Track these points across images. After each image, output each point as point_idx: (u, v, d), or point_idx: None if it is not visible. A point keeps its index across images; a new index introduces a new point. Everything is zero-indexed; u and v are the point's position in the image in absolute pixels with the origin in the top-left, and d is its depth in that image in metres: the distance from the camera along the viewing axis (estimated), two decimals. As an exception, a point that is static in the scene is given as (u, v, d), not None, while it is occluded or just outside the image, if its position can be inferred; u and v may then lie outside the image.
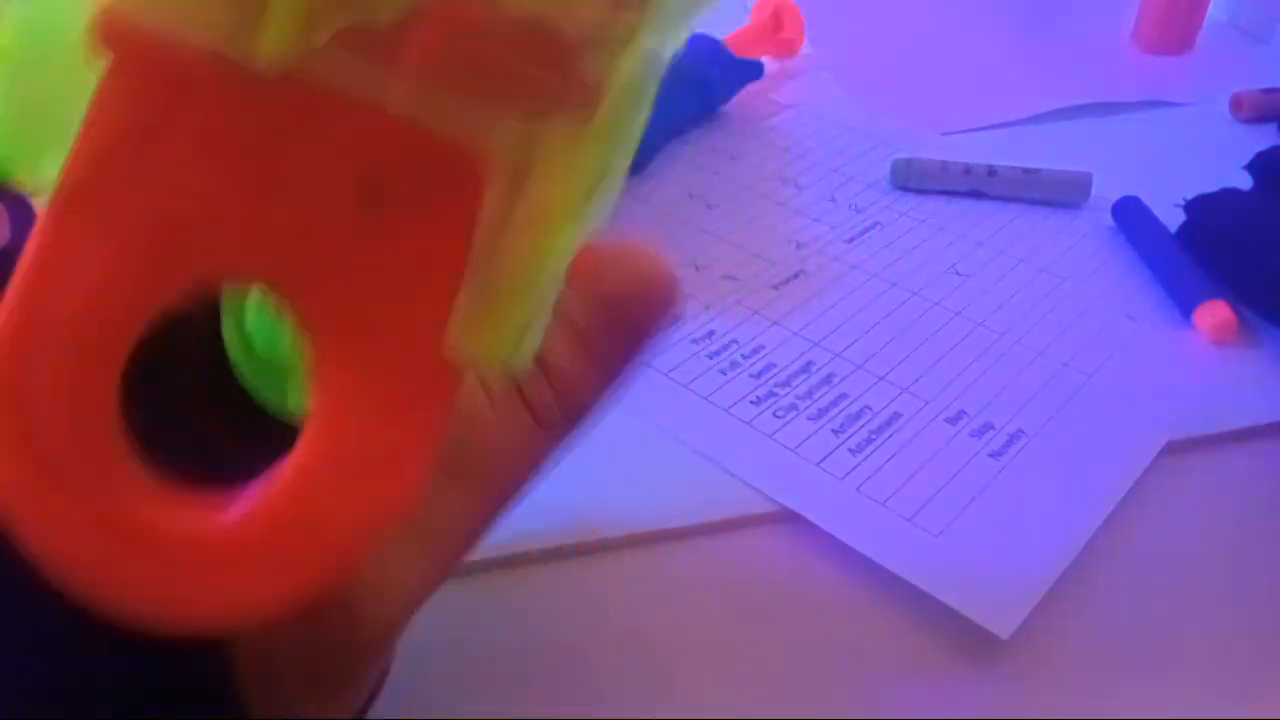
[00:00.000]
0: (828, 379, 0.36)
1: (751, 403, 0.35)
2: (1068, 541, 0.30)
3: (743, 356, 0.38)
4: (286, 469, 0.14)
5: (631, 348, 0.20)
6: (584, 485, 0.32)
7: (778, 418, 0.35)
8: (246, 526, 0.14)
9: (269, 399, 0.19)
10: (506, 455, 0.19)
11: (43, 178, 0.14)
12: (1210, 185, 0.42)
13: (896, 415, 0.35)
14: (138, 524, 0.13)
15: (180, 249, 0.14)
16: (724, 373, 0.37)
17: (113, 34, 0.13)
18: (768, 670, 0.27)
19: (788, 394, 0.36)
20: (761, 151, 0.50)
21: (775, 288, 0.41)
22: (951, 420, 0.34)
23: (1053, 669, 0.27)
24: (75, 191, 0.13)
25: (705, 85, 0.50)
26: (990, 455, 0.33)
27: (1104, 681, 0.27)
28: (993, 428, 0.34)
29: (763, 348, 0.38)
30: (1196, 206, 0.42)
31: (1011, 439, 0.34)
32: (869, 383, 0.36)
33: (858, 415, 0.35)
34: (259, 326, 0.19)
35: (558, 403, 0.19)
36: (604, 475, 0.32)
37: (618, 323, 0.19)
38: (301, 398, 0.15)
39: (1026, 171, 0.46)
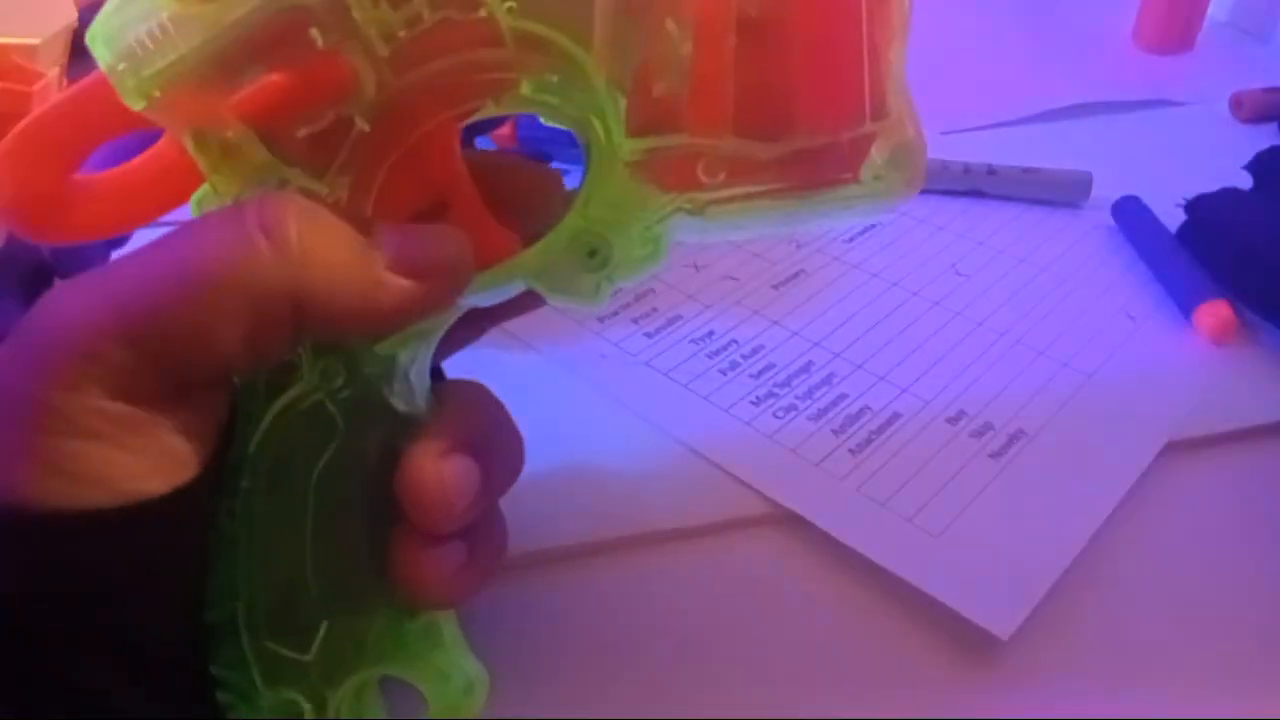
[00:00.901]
0: (828, 379, 0.36)
1: (751, 403, 0.35)
2: (1068, 542, 0.30)
3: (743, 356, 0.38)
4: None
5: None
6: (584, 486, 0.32)
7: (777, 418, 0.35)
8: None
9: None
10: None
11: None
12: (1210, 185, 0.42)
13: (896, 415, 0.35)
14: None
15: None
16: (724, 373, 0.37)
17: None
18: (767, 670, 0.27)
19: (787, 394, 0.36)
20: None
21: (775, 288, 0.41)
22: (951, 420, 0.34)
23: (1053, 669, 0.27)
24: None
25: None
26: (990, 455, 0.33)
27: (1104, 681, 0.27)
28: (993, 428, 0.34)
29: (763, 348, 0.38)
30: (1196, 206, 0.42)
31: (1011, 439, 0.34)
32: (869, 383, 0.36)
33: (858, 415, 0.35)
34: None
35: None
36: (604, 475, 0.32)
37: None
38: None
39: (1026, 171, 0.46)
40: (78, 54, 0.46)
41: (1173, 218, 0.42)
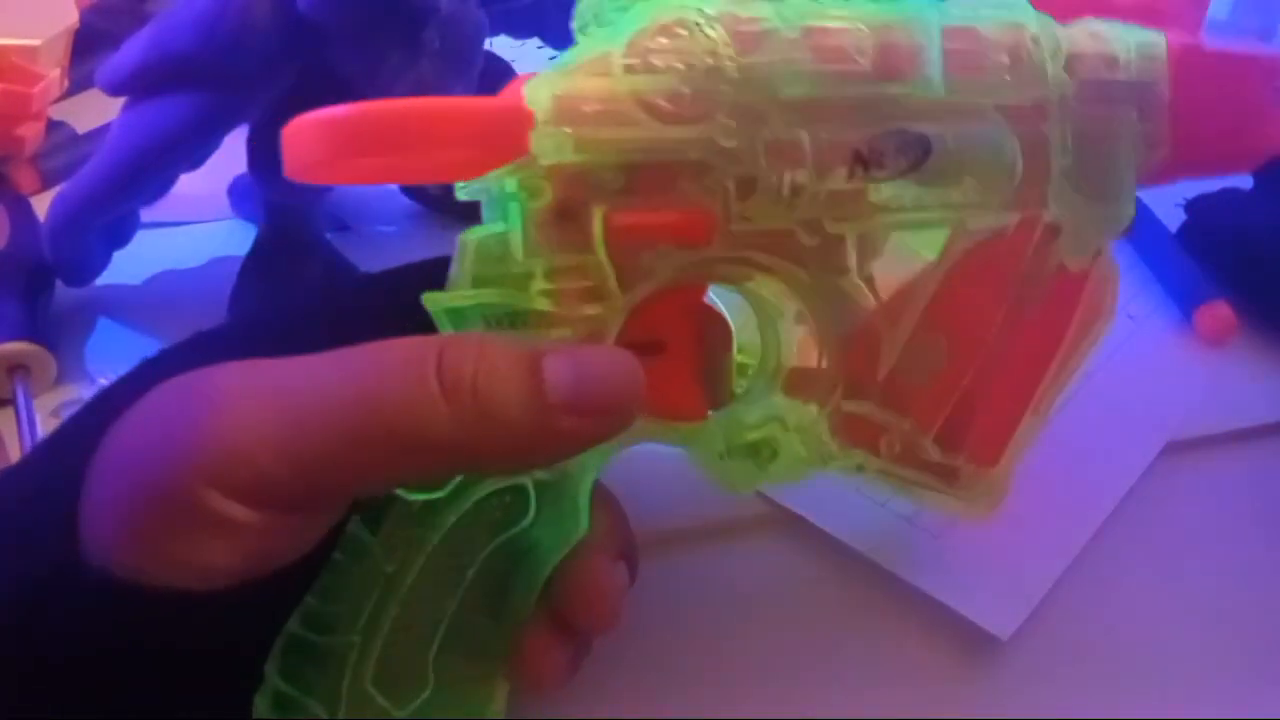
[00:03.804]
0: (828, 379, 0.36)
1: (751, 403, 0.35)
2: (1068, 541, 0.30)
3: (743, 357, 0.37)
4: None
5: None
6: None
7: (778, 418, 0.35)
8: None
9: None
10: None
11: None
12: (1210, 185, 0.42)
13: (896, 415, 0.35)
14: None
15: None
16: (724, 373, 0.37)
17: None
18: (767, 670, 0.27)
19: (788, 394, 0.36)
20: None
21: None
22: (951, 420, 0.34)
23: (1053, 669, 0.27)
24: None
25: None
26: (990, 455, 0.33)
27: (1104, 681, 0.27)
28: (993, 428, 0.34)
29: (763, 348, 0.38)
30: (1196, 206, 0.42)
31: (1011, 439, 0.34)
32: (869, 383, 0.36)
33: (858, 415, 0.35)
34: None
35: None
36: (604, 476, 0.32)
37: None
38: None
39: (1026, 171, 0.46)
40: (79, 55, 0.46)
41: (1173, 218, 0.42)
